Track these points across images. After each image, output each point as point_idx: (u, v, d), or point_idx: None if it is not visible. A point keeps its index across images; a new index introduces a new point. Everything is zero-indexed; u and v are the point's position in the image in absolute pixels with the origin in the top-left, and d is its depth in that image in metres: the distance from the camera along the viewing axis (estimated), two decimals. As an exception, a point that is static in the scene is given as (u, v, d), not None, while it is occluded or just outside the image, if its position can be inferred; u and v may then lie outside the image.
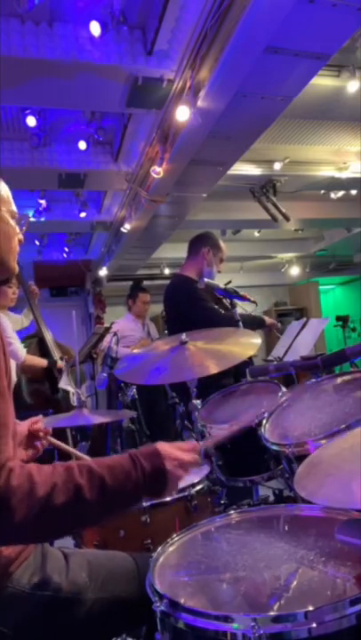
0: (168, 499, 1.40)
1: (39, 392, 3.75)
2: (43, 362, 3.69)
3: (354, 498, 0.87)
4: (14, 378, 3.57)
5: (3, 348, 1.04)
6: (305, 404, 1.63)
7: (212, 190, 4.48)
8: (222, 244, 3.07)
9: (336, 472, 1.01)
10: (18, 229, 1.20)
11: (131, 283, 5.73)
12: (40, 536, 0.97)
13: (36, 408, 3.56)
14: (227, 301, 2.80)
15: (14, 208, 1.20)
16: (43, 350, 3.81)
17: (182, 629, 0.85)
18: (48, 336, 3.87)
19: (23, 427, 1.35)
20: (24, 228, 1.24)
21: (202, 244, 3.01)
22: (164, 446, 1.04)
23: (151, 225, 5.09)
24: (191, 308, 2.83)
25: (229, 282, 2.83)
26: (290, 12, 2.19)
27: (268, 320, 3.06)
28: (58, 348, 3.86)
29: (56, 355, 3.80)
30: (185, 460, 1.04)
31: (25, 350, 3.58)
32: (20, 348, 3.50)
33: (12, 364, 3.54)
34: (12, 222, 1.18)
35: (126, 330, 4.95)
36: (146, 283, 5.85)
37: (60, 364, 3.75)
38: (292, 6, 2.16)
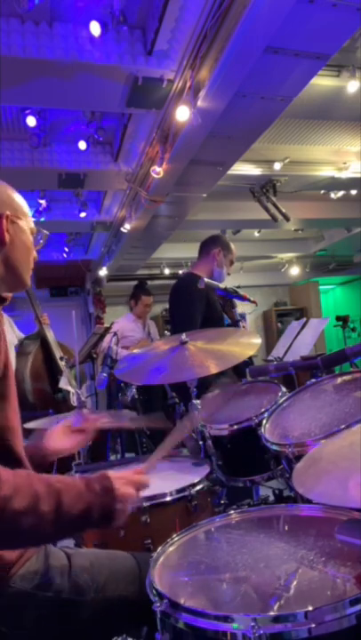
0: (168, 498, 1.40)
1: (42, 392, 3.76)
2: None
3: (351, 496, 0.87)
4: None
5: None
6: (305, 403, 1.63)
7: (212, 190, 4.48)
8: (233, 247, 3.09)
9: (334, 469, 1.01)
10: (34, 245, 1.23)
11: (130, 282, 5.73)
12: None
13: (38, 408, 3.57)
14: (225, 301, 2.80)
15: (33, 225, 1.22)
16: (46, 350, 3.82)
17: (182, 629, 0.85)
18: (50, 335, 3.88)
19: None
20: (40, 243, 1.25)
21: (213, 244, 3.03)
22: (111, 472, 1.06)
23: (151, 225, 5.08)
24: (182, 304, 2.84)
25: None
26: (290, 12, 2.19)
27: None
28: (59, 348, 3.87)
29: (58, 354, 3.81)
30: (133, 479, 1.07)
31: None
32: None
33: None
34: (31, 237, 1.21)
35: (126, 330, 4.96)
36: (145, 283, 5.85)
37: (61, 363, 3.76)
38: (292, 6, 2.16)
